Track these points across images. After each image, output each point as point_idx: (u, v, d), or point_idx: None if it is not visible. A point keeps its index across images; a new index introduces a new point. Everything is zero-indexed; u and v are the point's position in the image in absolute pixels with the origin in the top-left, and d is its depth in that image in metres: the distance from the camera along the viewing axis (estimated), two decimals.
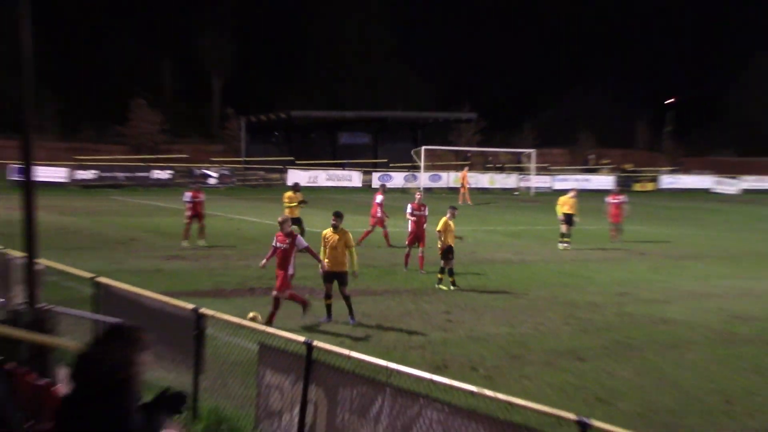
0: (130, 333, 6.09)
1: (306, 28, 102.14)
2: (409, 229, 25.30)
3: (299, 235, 18.11)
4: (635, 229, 33.45)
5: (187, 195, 29.98)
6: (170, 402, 6.70)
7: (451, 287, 22.02)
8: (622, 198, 33.71)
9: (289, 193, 31.30)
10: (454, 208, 23.93)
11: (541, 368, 14.66)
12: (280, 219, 18.07)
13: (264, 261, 17.84)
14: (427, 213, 25.61)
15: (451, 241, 22.69)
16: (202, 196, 30.33)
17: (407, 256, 24.88)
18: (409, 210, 25.54)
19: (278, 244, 17.49)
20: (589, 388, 13.58)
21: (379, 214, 30.59)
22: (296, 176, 64.98)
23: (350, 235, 18.15)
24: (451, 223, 23.01)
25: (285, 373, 10.82)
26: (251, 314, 16.79)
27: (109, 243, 28.66)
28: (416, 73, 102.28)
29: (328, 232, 18.12)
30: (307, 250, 17.60)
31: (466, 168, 63.89)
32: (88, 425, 5.30)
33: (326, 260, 17.87)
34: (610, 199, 33.69)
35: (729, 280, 24.97)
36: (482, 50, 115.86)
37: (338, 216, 18.23)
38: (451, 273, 22.30)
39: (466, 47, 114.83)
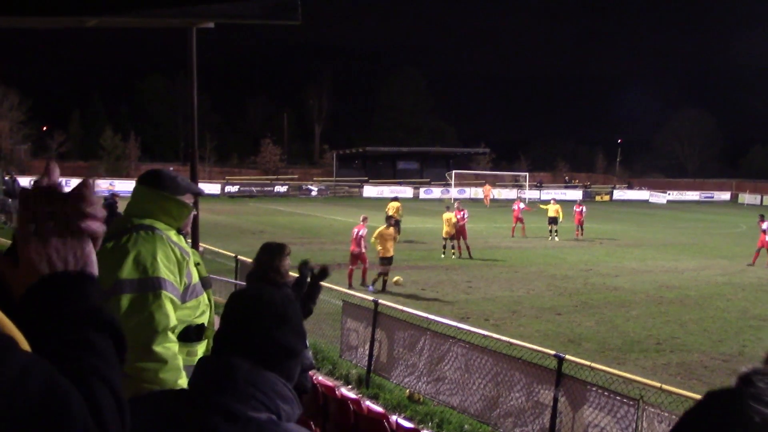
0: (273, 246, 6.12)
1: (376, 91, 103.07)
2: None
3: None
4: (596, 227, 32.89)
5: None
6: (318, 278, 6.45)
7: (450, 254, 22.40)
8: (582, 207, 32.10)
9: (396, 204, 27.48)
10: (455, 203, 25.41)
11: (531, 320, 14.50)
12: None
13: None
14: (467, 215, 25.04)
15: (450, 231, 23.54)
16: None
17: (452, 246, 24.27)
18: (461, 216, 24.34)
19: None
20: (564, 333, 13.40)
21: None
22: (369, 191, 65.24)
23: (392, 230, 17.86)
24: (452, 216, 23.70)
25: (360, 321, 10.83)
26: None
27: (245, 233, 28.99)
28: (449, 122, 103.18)
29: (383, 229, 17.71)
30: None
31: (487, 184, 63.91)
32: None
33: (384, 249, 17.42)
34: (575, 208, 32.96)
35: (659, 261, 24.46)
36: (492, 105, 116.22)
37: (389, 218, 18.84)
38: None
39: (482, 102, 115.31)
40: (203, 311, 3.30)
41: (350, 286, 16.35)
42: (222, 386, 1.62)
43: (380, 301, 10.60)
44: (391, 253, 17.30)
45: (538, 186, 74.30)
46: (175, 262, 3.16)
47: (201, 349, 3.27)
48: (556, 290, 18.02)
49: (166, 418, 1.64)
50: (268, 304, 1.76)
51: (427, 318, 10.02)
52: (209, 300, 3.39)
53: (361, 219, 18.20)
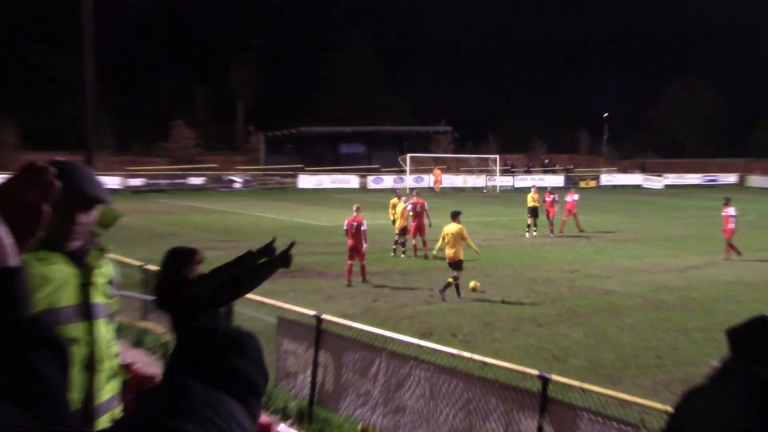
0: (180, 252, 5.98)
1: (314, 61, 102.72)
2: (411, 223, 24.96)
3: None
4: (581, 220, 33.31)
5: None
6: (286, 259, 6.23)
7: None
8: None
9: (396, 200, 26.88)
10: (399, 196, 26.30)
11: (508, 333, 14.59)
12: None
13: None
14: (426, 208, 25.30)
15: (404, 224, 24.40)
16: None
17: (414, 246, 24.80)
18: (409, 207, 25.12)
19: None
20: (547, 348, 13.52)
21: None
22: (306, 181, 65.01)
23: None
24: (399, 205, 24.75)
25: (299, 341, 10.73)
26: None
27: (154, 237, 28.54)
28: (402, 96, 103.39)
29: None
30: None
31: (436, 168, 64.77)
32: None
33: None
34: (567, 196, 33.27)
35: (656, 258, 24.94)
36: (455, 77, 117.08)
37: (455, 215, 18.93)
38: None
39: (442, 74, 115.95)
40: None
41: (350, 283, 19.07)
42: (176, 409, 1.61)
43: (323, 316, 10.51)
44: (462, 255, 18.19)
45: (510, 170, 75.21)
46: None
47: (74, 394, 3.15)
48: (537, 296, 18.18)
49: None
50: (225, 334, 1.83)
51: (381, 335, 9.96)
52: (90, 333, 3.28)
53: (354, 209, 19.82)
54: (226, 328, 1.89)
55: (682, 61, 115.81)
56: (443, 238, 18.46)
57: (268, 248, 6.50)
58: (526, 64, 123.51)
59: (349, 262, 19.50)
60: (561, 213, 32.67)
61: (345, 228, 19.88)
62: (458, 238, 18.08)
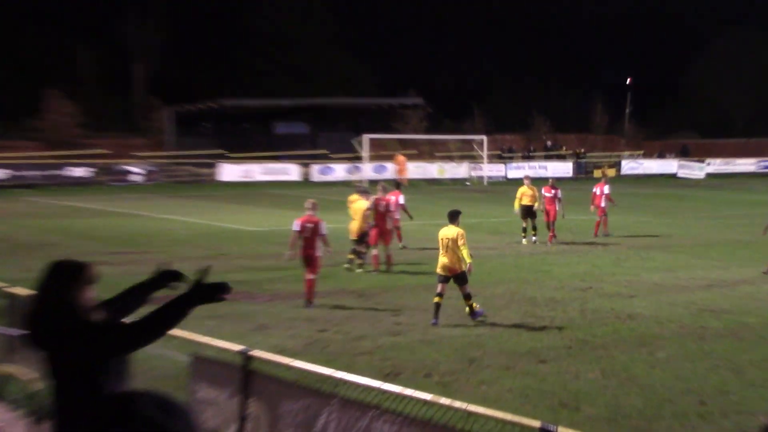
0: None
1: (239, 12, 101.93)
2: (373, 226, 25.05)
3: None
4: (594, 219, 33.53)
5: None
6: (206, 292, 6.20)
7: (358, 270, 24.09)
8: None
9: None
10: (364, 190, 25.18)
11: (500, 372, 14.61)
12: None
13: None
14: (392, 208, 25.45)
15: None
16: None
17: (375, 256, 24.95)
18: (370, 205, 25.21)
19: None
20: (553, 392, 13.55)
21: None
22: (229, 171, 64.71)
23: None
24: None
25: (221, 387, 10.65)
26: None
27: (21, 249, 28.19)
28: (358, 59, 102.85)
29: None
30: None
31: (399, 155, 64.81)
32: None
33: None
34: (596, 188, 33.39)
35: (697, 270, 25.19)
36: (428, 34, 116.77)
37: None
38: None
39: (411, 30, 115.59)
40: None
41: (309, 303, 19.56)
42: None
43: (254, 352, 10.44)
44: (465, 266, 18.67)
45: (502, 156, 75.51)
46: None
47: None
48: (538, 323, 18.24)
49: None
50: (142, 419, 1.83)
51: (331, 377, 9.93)
52: None
53: (308, 206, 20.16)
54: (142, 405, 1.84)
55: (730, 6, 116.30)
56: (442, 245, 18.55)
57: (175, 274, 6.47)
58: (522, 16, 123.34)
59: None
60: (584, 211, 32.91)
61: (297, 230, 19.83)
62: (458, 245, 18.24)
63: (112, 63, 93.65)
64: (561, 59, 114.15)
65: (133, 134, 79.90)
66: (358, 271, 24.31)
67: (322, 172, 67.89)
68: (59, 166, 61.68)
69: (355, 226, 24.61)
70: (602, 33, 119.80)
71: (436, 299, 18.15)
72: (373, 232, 24.70)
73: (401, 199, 28.08)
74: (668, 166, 78.80)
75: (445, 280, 18.43)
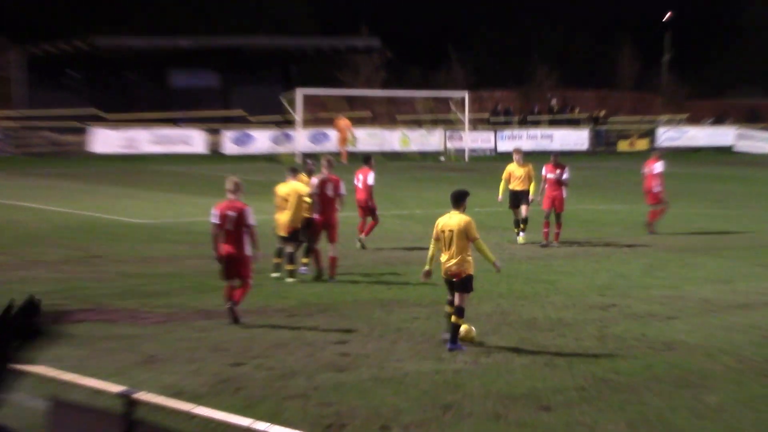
0: None
1: None
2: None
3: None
4: (617, 209, 33.75)
5: None
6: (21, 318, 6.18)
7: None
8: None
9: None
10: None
11: (486, 424, 14.61)
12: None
13: None
14: (343, 191, 25.39)
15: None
16: None
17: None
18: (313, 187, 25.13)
19: None
20: None
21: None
22: (106, 139, 64.38)
23: None
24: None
25: None
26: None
27: None
28: None
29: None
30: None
31: (343, 119, 64.83)
32: None
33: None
34: (645, 168, 33.51)
35: (760, 282, 25.31)
36: None
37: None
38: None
39: None
40: None
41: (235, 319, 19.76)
42: None
43: (139, 395, 10.37)
44: (472, 268, 18.71)
45: (496, 120, 75.57)
46: None
47: None
48: (539, 352, 18.31)
49: None
50: None
51: (250, 429, 9.91)
52: None
53: (229, 188, 20.60)
54: None
55: None
56: (437, 238, 18.53)
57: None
58: None
59: (229, 283, 19.88)
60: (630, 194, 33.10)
61: (216, 221, 19.93)
62: (464, 238, 18.24)
63: None
64: None
65: None
66: (289, 280, 24.27)
67: (238, 141, 67.73)
68: None
69: (284, 218, 24.43)
70: None
71: (448, 308, 18.20)
72: (317, 223, 24.59)
73: (371, 179, 28.15)
74: (722, 136, 79.40)
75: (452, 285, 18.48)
